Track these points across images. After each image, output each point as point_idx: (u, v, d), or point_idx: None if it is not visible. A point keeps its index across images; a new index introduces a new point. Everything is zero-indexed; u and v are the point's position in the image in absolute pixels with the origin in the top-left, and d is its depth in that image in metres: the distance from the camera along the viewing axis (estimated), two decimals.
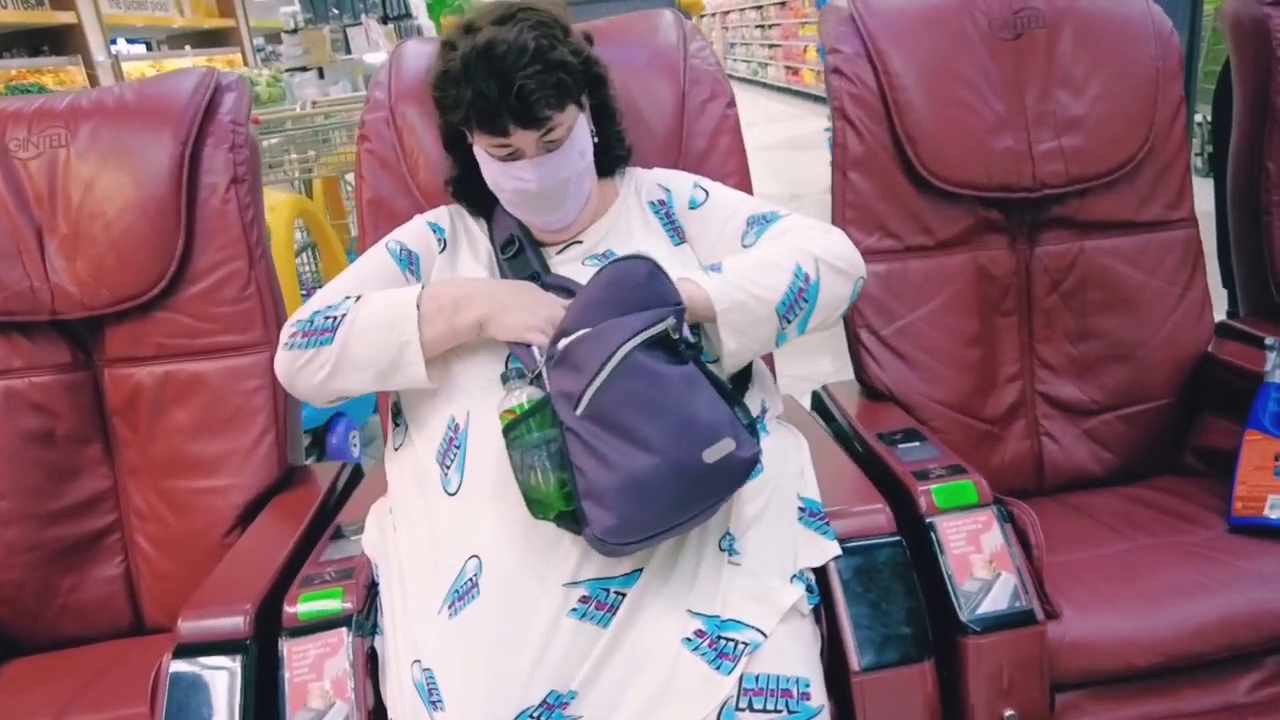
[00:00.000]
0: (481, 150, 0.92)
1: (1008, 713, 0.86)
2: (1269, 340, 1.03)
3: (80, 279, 1.08)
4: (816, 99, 8.50)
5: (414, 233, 0.99)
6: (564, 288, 0.91)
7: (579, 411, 0.75)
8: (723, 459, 0.74)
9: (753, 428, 0.80)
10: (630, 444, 0.74)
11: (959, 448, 1.04)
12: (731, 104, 1.17)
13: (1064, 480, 1.20)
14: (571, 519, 0.77)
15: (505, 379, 0.82)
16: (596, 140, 0.95)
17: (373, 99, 1.16)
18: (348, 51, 4.21)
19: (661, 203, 1.01)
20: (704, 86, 1.15)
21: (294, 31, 4.37)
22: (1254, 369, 1.06)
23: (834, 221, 1.19)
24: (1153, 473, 1.19)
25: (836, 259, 0.89)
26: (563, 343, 0.79)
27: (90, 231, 1.08)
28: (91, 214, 1.08)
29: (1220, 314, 1.24)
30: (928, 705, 0.85)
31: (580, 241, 0.98)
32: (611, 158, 1.01)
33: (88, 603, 1.14)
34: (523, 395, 0.79)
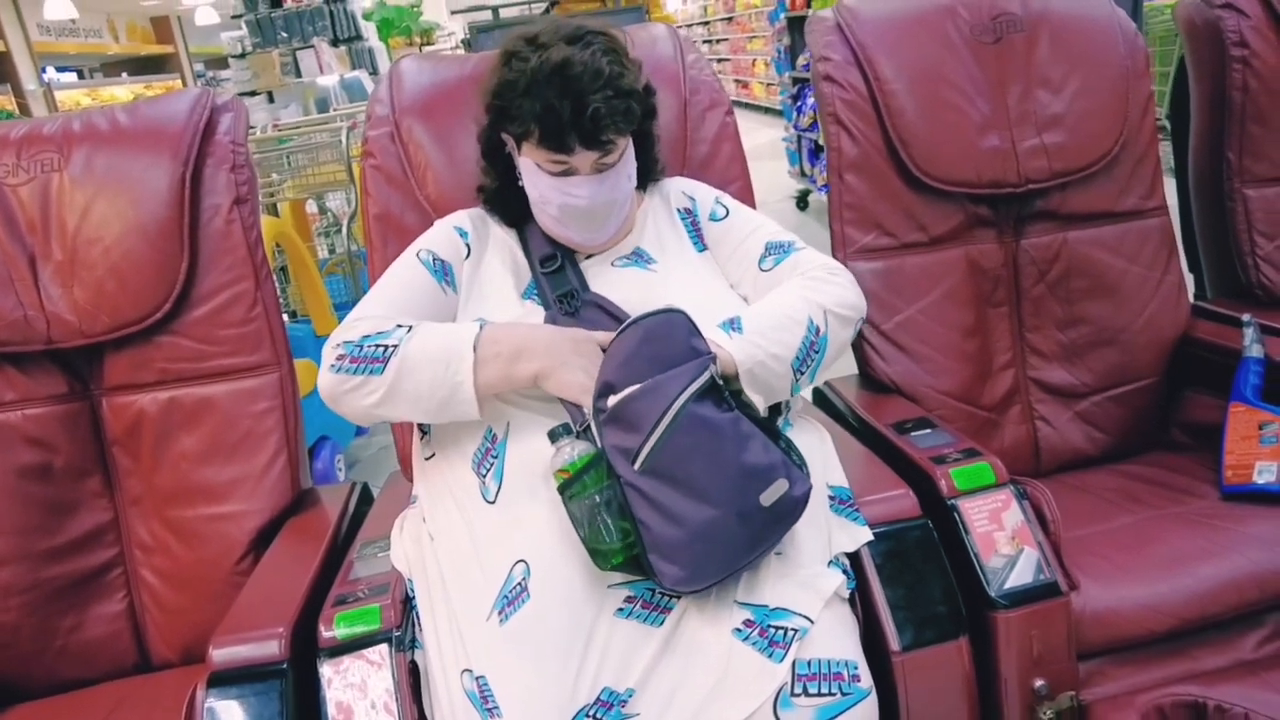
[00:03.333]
0: (531, 163, 0.92)
1: (1038, 683, 0.89)
2: (1245, 317, 1.10)
3: (78, 306, 1.05)
4: (766, 111, 8.70)
5: (442, 239, 0.97)
6: (601, 307, 0.92)
7: (638, 466, 0.77)
8: (779, 500, 0.77)
9: (799, 460, 0.83)
10: (691, 497, 0.76)
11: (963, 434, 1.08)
12: (730, 112, 1.20)
13: (1060, 462, 1.25)
14: (635, 566, 0.78)
15: (554, 436, 0.82)
16: (637, 163, 0.97)
17: (374, 115, 1.16)
18: (298, 75, 4.14)
19: (688, 210, 1.04)
20: (703, 95, 1.19)
21: (242, 56, 4.28)
22: (1231, 345, 1.12)
23: (832, 223, 1.24)
24: (1144, 449, 1.25)
25: (843, 308, 0.93)
26: (613, 399, 0.80)
27: (88, 257, 1.05)
28: (89, 239, 1.05)
29: (1189, 298, 1.32)
30: (964, 680, 0.88)
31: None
32: (648, 179, 1.03)
33: (90, 642, 1.09)
34: (574, 452, 0.80)
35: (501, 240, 1.01)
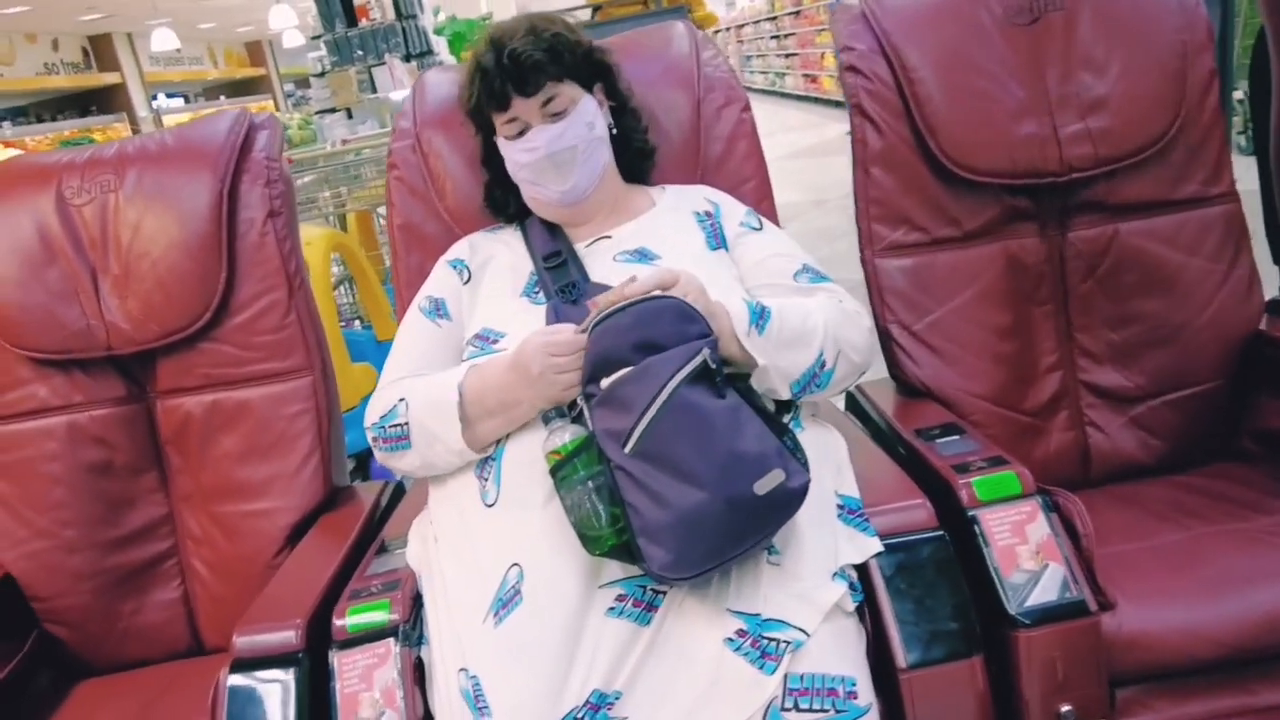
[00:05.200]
0: (501, 139, 0.98)
1: (1064, 708, 0.84)
2: None
3: (132, 316, 1.13)
4: (837, 104, 8.49)
5: (437, 279, 1.05)
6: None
7: (628, 449, 0.77)
8: (773, 490, 0.75)
9: (802, 457, 0.81)
10: (680, 480, 0.75)
11: (1001, 442, 1.02)
12: (746, 108, 1.18)
13: (1112, 471, 1.17)
14: (625, 552, 0.78)
15: (547, 419, 0.83)
16: (615, 132, 1.00)
17: (399, 128, 1.20)
18: (374, 91, 4.32)
19: (708, 214, 1.04)
20: (719, 93, 1.17)
21: (321, 75, 4.50)
22: None
23: (858, 219, 1.19)
24: (1207, 459, 1.14)
25: (855, 352, 0.94)
26: (605, 382, 0.80)
27: (139, 270, 1.13)
28: (140, 254, 1.14)
29: (1272, 291, 1.20)
30: (979, 702, 0.83)
31: (609, 237, 1.01)
32: (633, 153, 1.05)
33: (149, 626, 1.18)
34: (566, 435, 0.81)
35: (503, 252, 1.04)
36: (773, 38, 11.20)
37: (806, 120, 8.56)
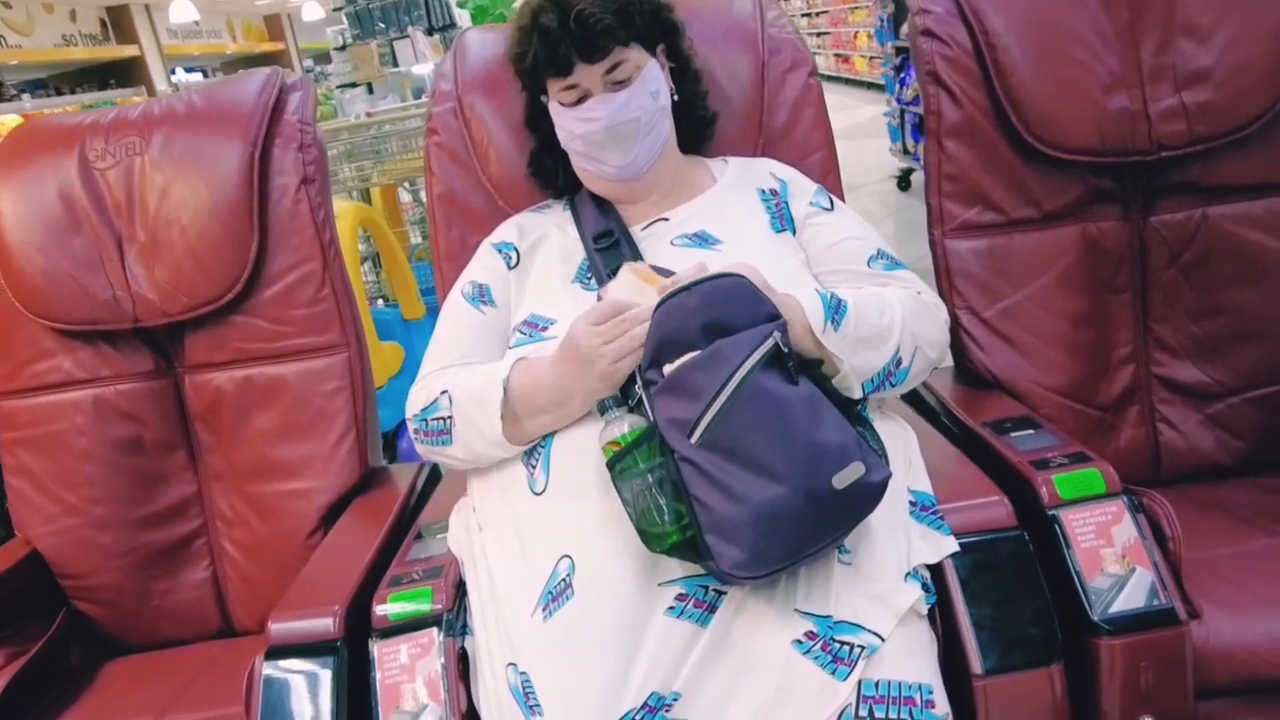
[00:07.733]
0: (555, 105, 0.92)
1: None
2: None
3: (159, 286, 1.08)
4: (870, 86, 8.28)
5: (481, 263, 0.99)
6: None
7: (694, 440, 0.71)
8: (853, 484, 0.70)
9: (880, 449, 0.76)
10: (755, 473, 0.70)
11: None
12: (813, 73, 1.11)
13: (1184, 470, 1.11)
14: (688, 549, 0.73)
15: (603, 408, 0.78)
16: (677, 98, 0.94)
17: (439, 91, 1.14)
18: (395, 65, 4.24)
19: (774, 192, 0.97)
20: (784, 56, 1.09)
21: (342, 48, 4.42)
22: None
23: (929, 196, 1.12)
24: None
25: (932, 347, 0.89)
26: (668, 367, 0.74)
27: (167, 238, 1.08)
28: (168, 220, 1.08)
29: None
30: (1057, 712, 0.79)
31: (666, 219, 0.95)
32: (694, 120, 0.98)
33: (180, 606, 1.15)
34: (624, 425, 0.75)
35: (554, 234, 0.98)
36: (803, 15, 10.89)
37: (838, 102, 8.31)
